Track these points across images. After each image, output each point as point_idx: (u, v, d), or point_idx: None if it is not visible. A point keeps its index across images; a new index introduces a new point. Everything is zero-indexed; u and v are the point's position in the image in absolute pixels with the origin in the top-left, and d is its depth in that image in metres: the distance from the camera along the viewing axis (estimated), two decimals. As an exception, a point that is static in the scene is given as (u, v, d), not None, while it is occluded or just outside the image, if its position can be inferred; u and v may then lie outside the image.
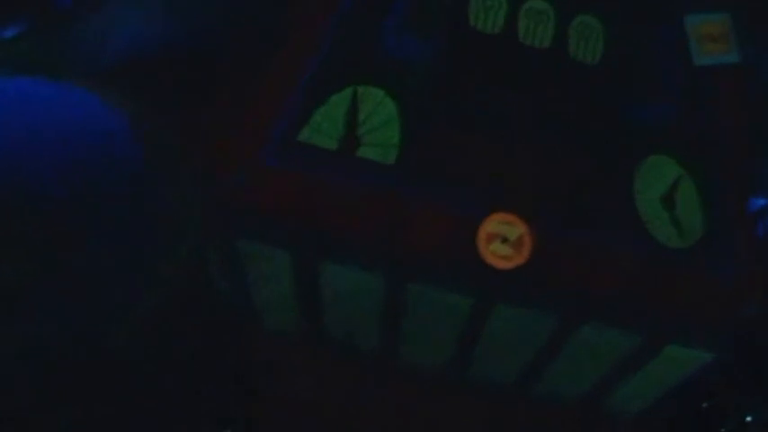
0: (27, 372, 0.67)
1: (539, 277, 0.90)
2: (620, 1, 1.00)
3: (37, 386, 0.68)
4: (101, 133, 0.72)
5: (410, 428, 1.08)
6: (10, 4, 0.97)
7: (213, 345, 0.90)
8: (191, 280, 0.82)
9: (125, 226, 0.71)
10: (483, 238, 0.89)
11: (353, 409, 1.06)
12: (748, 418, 0.98)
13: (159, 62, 0.96)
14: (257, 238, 0.93)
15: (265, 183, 0.90)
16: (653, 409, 1.04)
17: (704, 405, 1.00)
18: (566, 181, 0.94)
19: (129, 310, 0.70)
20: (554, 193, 0.93)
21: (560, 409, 1.07)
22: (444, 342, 1.01)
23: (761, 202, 1.01)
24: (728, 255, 0.95)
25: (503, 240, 0.89)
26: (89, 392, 0.72)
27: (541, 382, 1.04)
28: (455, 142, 0.93)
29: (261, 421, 1.03)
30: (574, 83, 0.97)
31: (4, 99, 0.70)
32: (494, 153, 0.94)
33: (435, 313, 0.96)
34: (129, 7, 1.01)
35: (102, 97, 0.74)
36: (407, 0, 0.98)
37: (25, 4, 0.98)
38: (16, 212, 0.64)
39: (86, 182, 0.69)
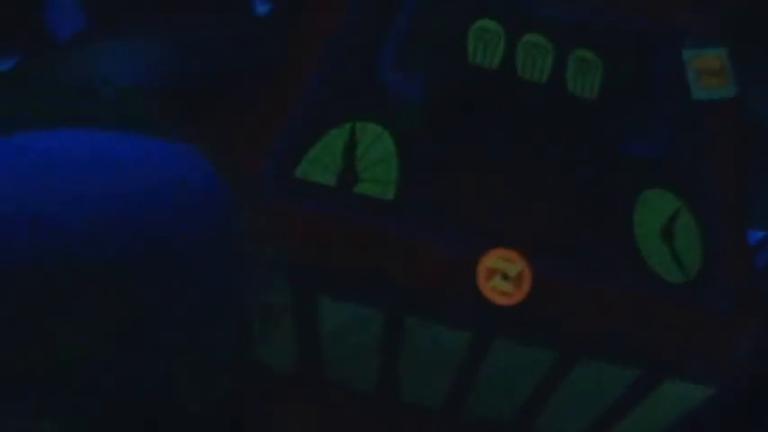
0: None
1: (537, 313, 0.90)
2: (617, 34, 1.00)
3: None
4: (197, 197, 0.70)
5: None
6: (2, 37, 0.97)
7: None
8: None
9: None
10: (483, 274, 0.89)
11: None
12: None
13: (156, 93, 0.95)
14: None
15: (262, 218, 0.89)
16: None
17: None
18: (565, 216, 0.93)
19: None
20: (553, 229, 0.92)
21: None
22: (442, 377, 1.01)
23: (759, 234, 1.01)
24: (727, 288, 0.95)
25: (503, 277, 0.89)
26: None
27: (540, 416, 1.03)
28: (453, 178, 0.93)
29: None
30: (572, 117, 0.97)
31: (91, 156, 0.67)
32: (492, 188, 0.93)
33: (433, 348, 0.95)
34: (125, 38, 1.00)
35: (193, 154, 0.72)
36: (404, 35, 0.97)
37: (18, 36, 0.97)
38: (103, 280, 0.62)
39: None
